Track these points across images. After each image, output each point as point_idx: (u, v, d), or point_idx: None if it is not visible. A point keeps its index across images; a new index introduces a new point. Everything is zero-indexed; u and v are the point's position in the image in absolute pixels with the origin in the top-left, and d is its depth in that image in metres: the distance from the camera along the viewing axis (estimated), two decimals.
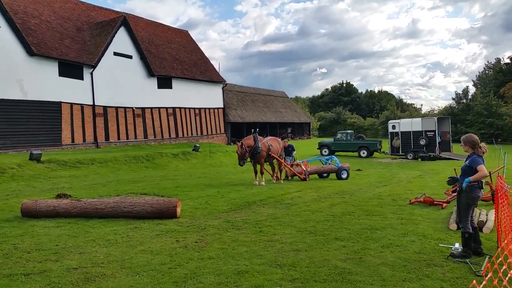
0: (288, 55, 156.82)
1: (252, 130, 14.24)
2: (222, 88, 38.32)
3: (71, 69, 24.08)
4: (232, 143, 38.26)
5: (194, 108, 34.22)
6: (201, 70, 35.65)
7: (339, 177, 15.24)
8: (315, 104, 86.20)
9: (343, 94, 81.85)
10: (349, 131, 33.89)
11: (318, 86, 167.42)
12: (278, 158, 13.99)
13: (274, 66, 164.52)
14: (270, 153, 13.62)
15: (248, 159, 13.28)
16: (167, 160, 21.77)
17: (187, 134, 33.00)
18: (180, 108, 32.52)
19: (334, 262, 5.12)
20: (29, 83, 21.80)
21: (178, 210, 7.74)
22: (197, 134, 34.15)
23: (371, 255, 5.45)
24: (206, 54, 39.33)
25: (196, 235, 6.45)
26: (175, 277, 4.61)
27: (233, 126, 40.89)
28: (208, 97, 36.08)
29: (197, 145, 25.97)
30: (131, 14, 32.99)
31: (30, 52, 21.65)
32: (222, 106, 38.26)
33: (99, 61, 25.50)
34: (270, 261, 5.17)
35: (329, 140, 33.85)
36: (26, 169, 15.62)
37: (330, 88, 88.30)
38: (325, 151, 31.08)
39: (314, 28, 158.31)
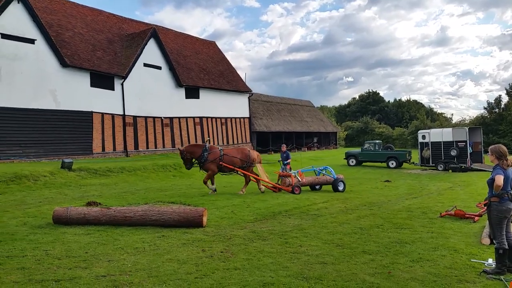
0: (314, 64, 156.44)
1: (206, 139, 14.30)
2: (248, 97, 38.58)
3: (102, 80, 24.83)
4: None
5: (220, 118, 34.56)
6: (227, 80, 36.05)
7: (335, 189, 14.24)
8: (341, 113, 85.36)
9: (370, 103, 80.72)
10: (377, 141, 33.37)
11: (344, 95, 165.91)
12: (234, 168, 13.33)
13: (299, 75, 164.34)
14: (221, 163, 13.15)
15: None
16: (193, 169, 21.95)
17: (213, 143, 33.29)
18: (206, 117, 32.91)
19: (362, 276, 5.02)
20: (62, 93, 22.58)
21: (204, 219, 7.79)
22: (223, 143, 34.41)
23: (400, 269, 5.31)
24: (232, 64, 39.80)
25: (221, 245, 6.45)
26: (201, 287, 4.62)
27: (258, 136, 41.00)
28: (234, 106, 36.41)
29: None
30: (160, 26, 33.82)
31: (64, 64, 22.46)
32: (248, 115, 38.47)
33: (129, 72, 26.19)
34: (296, 273, 5.11)
35: (357, 150, 33.40)
36: (58, 177, 16.10)
37: (357, 97, 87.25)
38: (352, 162, 30.70)
39: (340, 36, 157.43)
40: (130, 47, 27.85)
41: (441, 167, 26.04)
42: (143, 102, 27.32)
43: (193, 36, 38.22)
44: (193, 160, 13.32)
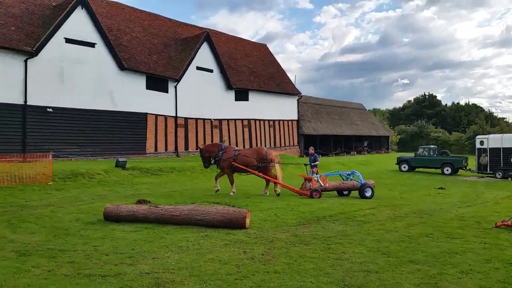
0: (367, 66, 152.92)
1: (223, 140, 14.60)
2: (297, 100, 38.42)
3: (157, 83, 25.79)
4: (305, 155, 38.03)
5: (269, 120, 34.68)
6: (277, 83, 36.12)
7: (362, 195, 13.26)
8: (395, 116, 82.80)
9: (426, 107, 77.62)
10: (432, 146, 31.99)
11: (399, 98, 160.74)
12: (245, 168, 13.31)
13: (351, 77, 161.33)
14: (233, 163, 13.23)
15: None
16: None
17: (261, 145, 33.47)
18: (255, 120, 33.17)
19: (407, 286, 4.82)
20: (119, 95, 23.69)
21: (247, 221, 7.84)
22: (270, 145, 34.49)
23: (448, 281, 5.04)
24: (283, 66, 39.87)
25: (263, 248, 6.45)
26: None
27: (306, 138, 40.65)
28: (283, 109, 36.42)
29: None
30: (213, 30, 34.58)
31: (121, 67, 23.55)
32: (296, 118, 38.32)
33: (182, 75, 27.01)
34: (337, 280, 5.00)
35: (410, 155, 32.20)
36: (112, 175, 16.90)
37: (412, 100, 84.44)
38: (404, 167, 29.63)
39: (396, 37, 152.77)
40: (184, 50, 28.70)
41: (499, 174, 24.52)
42: (194, 104, 28.04)
43: (244, 39, 38.71)
44: (211, 159, 13.78)
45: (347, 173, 14.65)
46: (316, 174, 14.44)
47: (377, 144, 53.76)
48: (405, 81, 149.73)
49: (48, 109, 20.53)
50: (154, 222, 8.06)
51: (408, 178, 24.86)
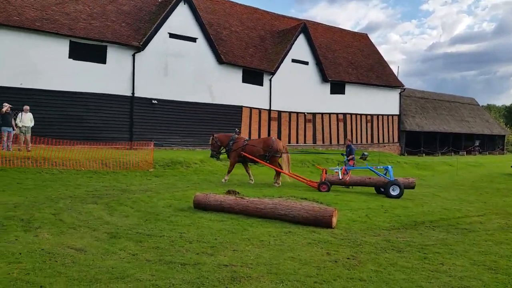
0: (481, 57, 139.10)
1: (236, 130, 15.60)
2: (399, 93, 36.13)
3: (253, 76, 26.15)
4: (406, 154, 35.73)
5: (366, 115, 33.15)
6: (377, 75, 34.34)
7: (387, 194, 11.99)
8: None
9: None
10: None
11: None
12: (253, 158, 13.50)
13: (462, 70, 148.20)
14: (242, 152, 13.44)
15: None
16: (332, 166, 21.52)
17: (356, 141, 32.19)
18: (351, 114, 31.96)
19: None
20: (217, 88, 24.50)
21: (334, 220, 7.40)
22: (366, 141, 33.00)
23: None
24: (385, 58, 37.75)
25: (349, 251, 6.00)
26: None
27: (408, 135, 38.12)
28: (383, 103, 34.51)
29: (366, 153, 24.79)
30: (311, 21, 34.01)
31: (220, 61, 24.30)
32: (397, 113, 36.08)
33: (278, 68, 27.01)
34: None
35: None
36: (207, 165, 17.54)
37: None
38: None
39: None
40: (280, 43, 28.68)
41: None
42: (288, 97, 27.91)
43: (343, 29, 37.47)
44: (221, 149, 14.14)
45: (383, 168, 13.40)
46: (352, 167, 14.02)
47: (490, 144, 48.55)
48: None
49: (153, 101, 22.02)
50: (240, 214, 8.06)
51: None
